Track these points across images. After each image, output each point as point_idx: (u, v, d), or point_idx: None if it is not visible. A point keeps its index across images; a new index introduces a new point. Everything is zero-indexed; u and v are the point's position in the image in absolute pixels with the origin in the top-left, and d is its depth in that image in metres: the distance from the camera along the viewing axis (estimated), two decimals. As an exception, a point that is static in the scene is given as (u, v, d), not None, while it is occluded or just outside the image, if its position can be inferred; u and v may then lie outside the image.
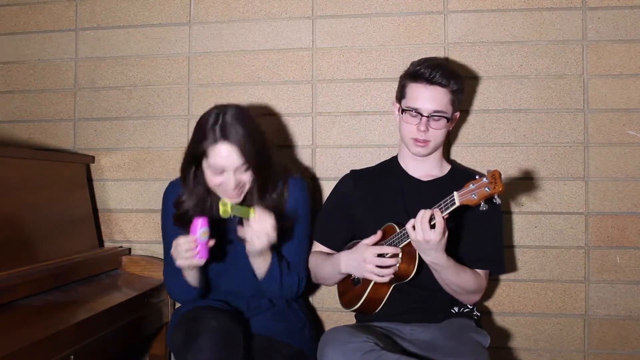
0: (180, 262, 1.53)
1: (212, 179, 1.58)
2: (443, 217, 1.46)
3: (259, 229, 1.51)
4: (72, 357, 1.40)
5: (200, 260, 1.52)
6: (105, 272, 2.04)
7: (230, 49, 2.14)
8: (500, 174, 1.41)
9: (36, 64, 2.26)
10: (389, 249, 1.55)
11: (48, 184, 1.96)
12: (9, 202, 1.74)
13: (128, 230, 2.20)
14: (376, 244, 1.60)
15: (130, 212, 2.20)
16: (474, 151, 2.02)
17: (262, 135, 1.63)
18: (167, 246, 1.66)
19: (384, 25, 2.06)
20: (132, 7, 2.21)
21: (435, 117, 1.67)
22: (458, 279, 1.59)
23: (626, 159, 1.95)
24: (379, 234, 1.61)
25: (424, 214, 1.47)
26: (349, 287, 1.72)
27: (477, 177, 1.44)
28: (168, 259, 1.64)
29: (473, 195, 1.43)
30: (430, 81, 1.65)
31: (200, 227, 1.51)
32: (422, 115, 1.66)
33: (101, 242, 2.19)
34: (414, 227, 1.48)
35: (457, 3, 2.03)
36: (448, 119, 1.69)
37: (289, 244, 1.70)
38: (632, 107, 1.95)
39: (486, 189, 1.41)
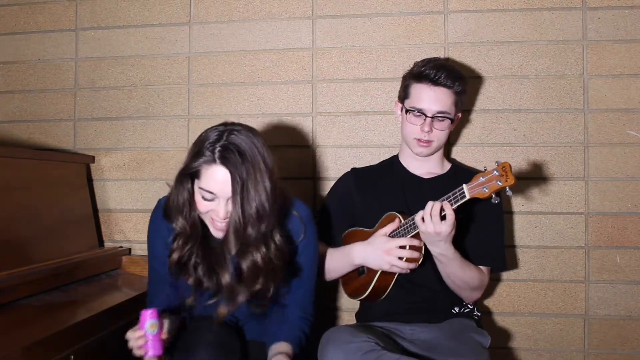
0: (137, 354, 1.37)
1: (200, 203, 1.39)
2: (452, 209, 1.46)
3: None
4: (72, 357, 1.40)
5: (153, 358, 1.34)
6: (105, 272, 2.04)
7: (230, 49, 2.14)
8: (510, 166, 1.39)
9: (36, 64, 2.26)
10: (415, 242, 1.55)
11: (48, 184, 1.96)
12: (9, 202, 1.74)
13: (128, 230, 2.20)
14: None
15: (130, 212, 2.20)
16: (474, 151, 2.02)
17: (267, 174, 1.37)
18: (151, 270, 1.59)
19: (384, 25, 2.06)
20: (132, 7, 2.20)
21: (439, 118, 1.67)
22: (463, 274, 1.60)
23: (626, 159, 1.95)
24: (397, 222, 1.60)
25: (434, 206, 1.47)
26: (353, 276, 1.73)
27: (485, 169, 1.43)
28: (150, 286, 1.58)
29: (484, 189, 1.42)
30: (435, 82, 1.65)
31: (148, 319, 1.33)
32: (426, 116, 1.66)
33: (101, 242, 2.19)
34: (423, 219, 1.48)
35: (457, 3, 2.03)
36: (452, 120, 1.70)
37: (297, 293, 1.55)
38: (632, 107, 1.95)
39: (498, 182, 1.39)
